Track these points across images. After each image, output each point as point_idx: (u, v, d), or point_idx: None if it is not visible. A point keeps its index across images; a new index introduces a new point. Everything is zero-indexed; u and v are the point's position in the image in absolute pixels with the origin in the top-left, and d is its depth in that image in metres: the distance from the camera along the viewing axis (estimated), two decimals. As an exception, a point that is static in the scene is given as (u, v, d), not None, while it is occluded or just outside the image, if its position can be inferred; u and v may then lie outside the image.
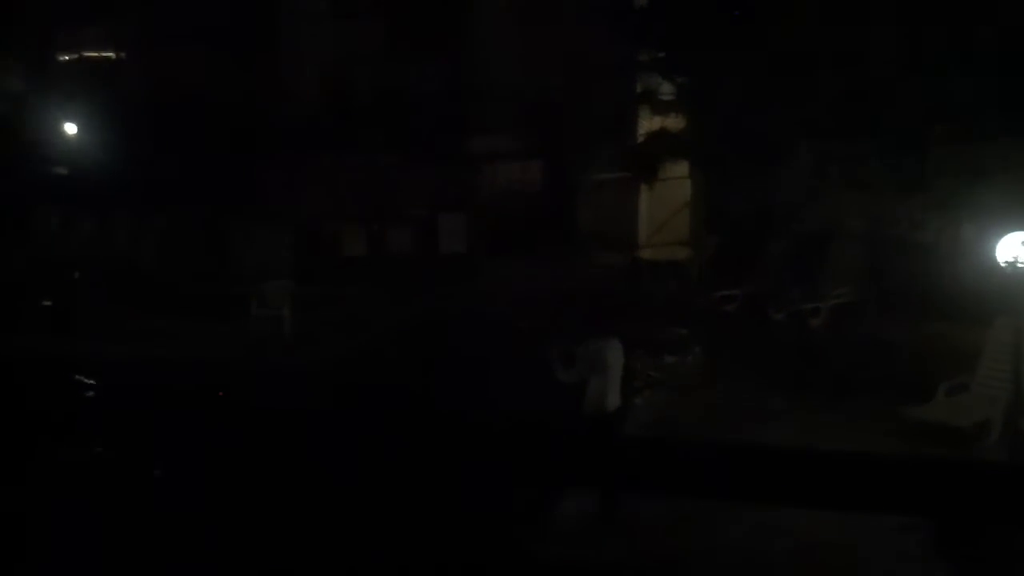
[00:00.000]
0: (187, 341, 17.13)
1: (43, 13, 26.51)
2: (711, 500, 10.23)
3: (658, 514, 9.99)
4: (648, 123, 21.06)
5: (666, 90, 20.39)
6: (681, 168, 21.33)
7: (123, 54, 26.66)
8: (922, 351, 14.21)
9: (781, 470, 11.03)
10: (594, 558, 9.40)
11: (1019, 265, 14.12)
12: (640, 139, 21.19)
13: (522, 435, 11.98)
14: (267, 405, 14.40)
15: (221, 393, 13.40)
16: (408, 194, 22.75)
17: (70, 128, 25.13)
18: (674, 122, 20.54)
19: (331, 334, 17.78)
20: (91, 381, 16.31)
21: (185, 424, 13.35)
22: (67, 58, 27.04)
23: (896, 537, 9.34)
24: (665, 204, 21.91)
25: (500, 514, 10.54)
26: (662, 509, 10.09)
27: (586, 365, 9.67)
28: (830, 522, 9.70)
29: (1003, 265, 14.21)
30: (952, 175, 16.49)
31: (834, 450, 11.37)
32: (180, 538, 10.21)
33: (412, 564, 9.51)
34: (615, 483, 9.85)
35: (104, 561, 9.77)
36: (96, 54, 26.95)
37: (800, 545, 9.39)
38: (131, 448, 13.03)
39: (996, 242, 14.18)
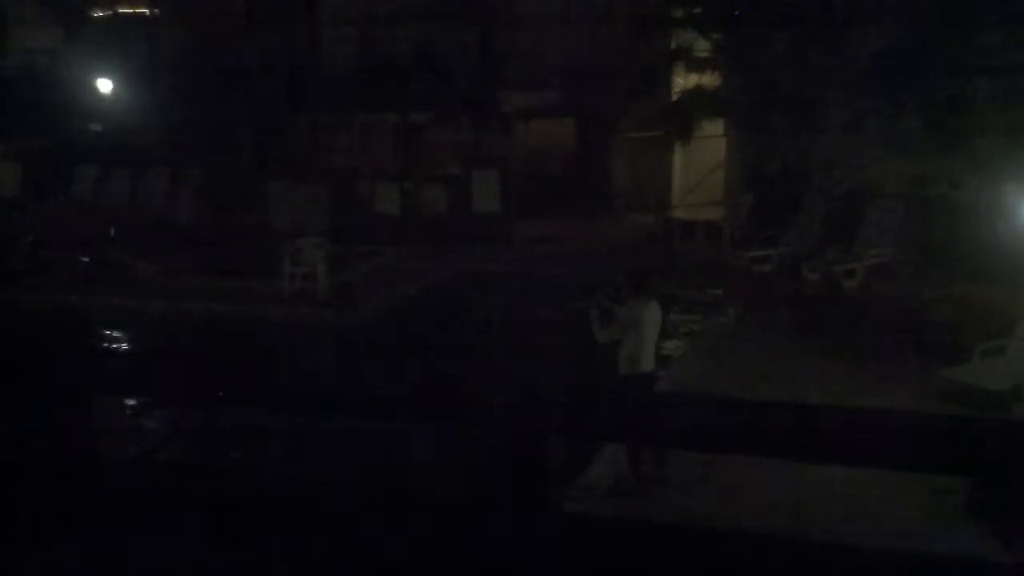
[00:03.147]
0: (221, 297, 17.29)
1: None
2: (743, 456, 10.33)
3: (687, 470, 10.06)
4: (683, 81, 20.88)
5: (701, 47, 20.18)
6: (716, 127, 21.15)
7: (158, 10, 26.66)
8: (959, 313, 14.12)
9: (814, 428, 11.11)
10: (622, 513, 9.46)
11: (1058, 226, 13.95)
12: (675, 97, 21.02)
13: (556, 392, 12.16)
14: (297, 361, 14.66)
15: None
16: (442, 152, 22.73)
17: (105, 84, 25.23)
18: (709, 80, 20.34)
19: (364, 292, 17.88)
20: (124, 335, 16.59)
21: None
22: (104, 14, 27.08)
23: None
24: (700, 163, 21.76)
25: (531, 467, 10.68)
26: (691, 465, 10.17)
27: (623, 324, 9.68)
28: (861, 478, 9.75)
29: (1042, 226, 14.06)
30: (991, 134, 16.26)
31: (868, 409, 11.42)
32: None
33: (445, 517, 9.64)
34: (647, 440, 9.92)
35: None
36: (132, 10, 26.98)
37: (826, 498, 9.42)
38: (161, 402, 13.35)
39: (1035, 203, 14.02)
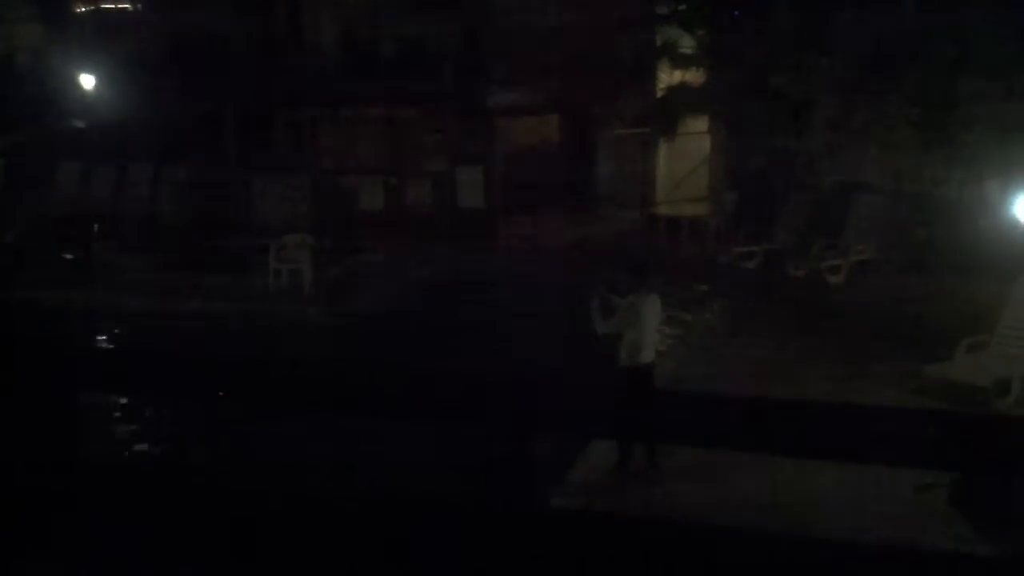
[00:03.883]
0: (206, 293, 17.22)
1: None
2: (731, 451, 10.35)
3: (677, 464, 10.07)
4: (668, 77, 20.92)
5: (686, 43, 20.23)
6: (700, 123, 21.20)
7: (140, 5, 26.57)
8: (943, 308, 14.18)
9: (803, 424, 11.15)
10: (613, 507, 9.47)
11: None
12: (660, 94, 21.06)
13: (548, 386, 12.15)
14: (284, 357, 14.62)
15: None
16: (427, 148, 22.69)
17: (88, 80, 25.09)
18: (694, 76, 20.39)
19: (349, 288, 17.84)
20: (108, 332, 16.51)
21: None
22: (86, 9, 26.96)
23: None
24: (684, 160, 21.81)
25: (522, 462, 10.67)
26: (681, 459, 10.19)
27: (624, 318, 9.74)
28: (848, 474, 9.78)
29: (1025, 222, 14.12)
30: (975, 131, 16.35)
31: (855, 405, 11.46)
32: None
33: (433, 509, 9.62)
34: (644, 434, 9.95)
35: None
36: (114, 5, 26.88)
37: (816, 494, 9.45)
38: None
39: (1018, 199, 14.07)
